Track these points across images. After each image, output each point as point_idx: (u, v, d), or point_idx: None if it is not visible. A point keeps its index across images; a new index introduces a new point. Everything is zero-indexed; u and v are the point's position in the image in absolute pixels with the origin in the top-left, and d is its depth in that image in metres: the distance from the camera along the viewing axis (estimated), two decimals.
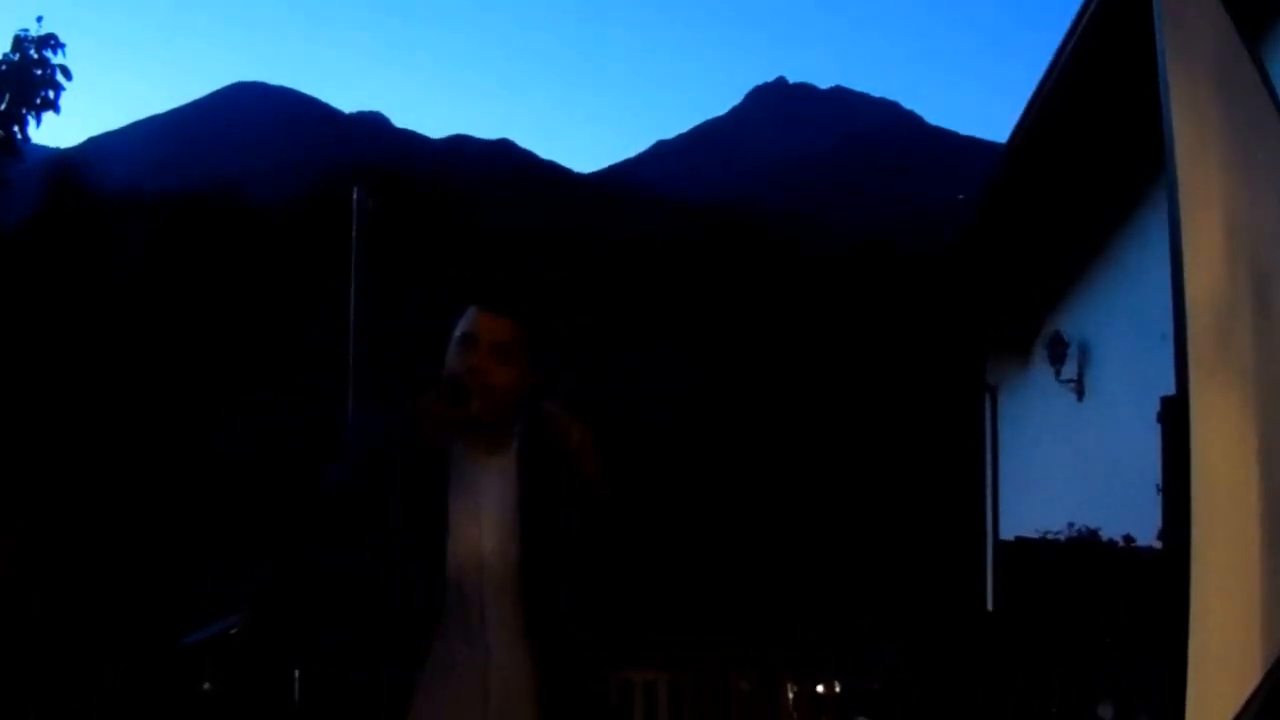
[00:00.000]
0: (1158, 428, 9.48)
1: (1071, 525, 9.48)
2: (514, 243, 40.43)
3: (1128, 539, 8.69)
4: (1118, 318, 10.98)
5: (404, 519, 3.25)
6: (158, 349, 27.17)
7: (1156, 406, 9.50)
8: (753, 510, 24.82)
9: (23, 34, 7.82)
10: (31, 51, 7.83)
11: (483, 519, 3.28)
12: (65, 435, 22.13)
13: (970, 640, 11.01)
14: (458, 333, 3.33)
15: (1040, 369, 12.53)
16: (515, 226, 47.55)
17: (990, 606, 13.71)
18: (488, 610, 3.24)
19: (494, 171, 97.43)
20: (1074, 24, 8.30)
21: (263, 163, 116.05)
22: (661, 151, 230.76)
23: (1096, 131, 9.32)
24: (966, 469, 15.70)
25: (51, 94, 7.95)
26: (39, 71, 7.85)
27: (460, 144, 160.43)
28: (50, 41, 7.84)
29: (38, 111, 7.86)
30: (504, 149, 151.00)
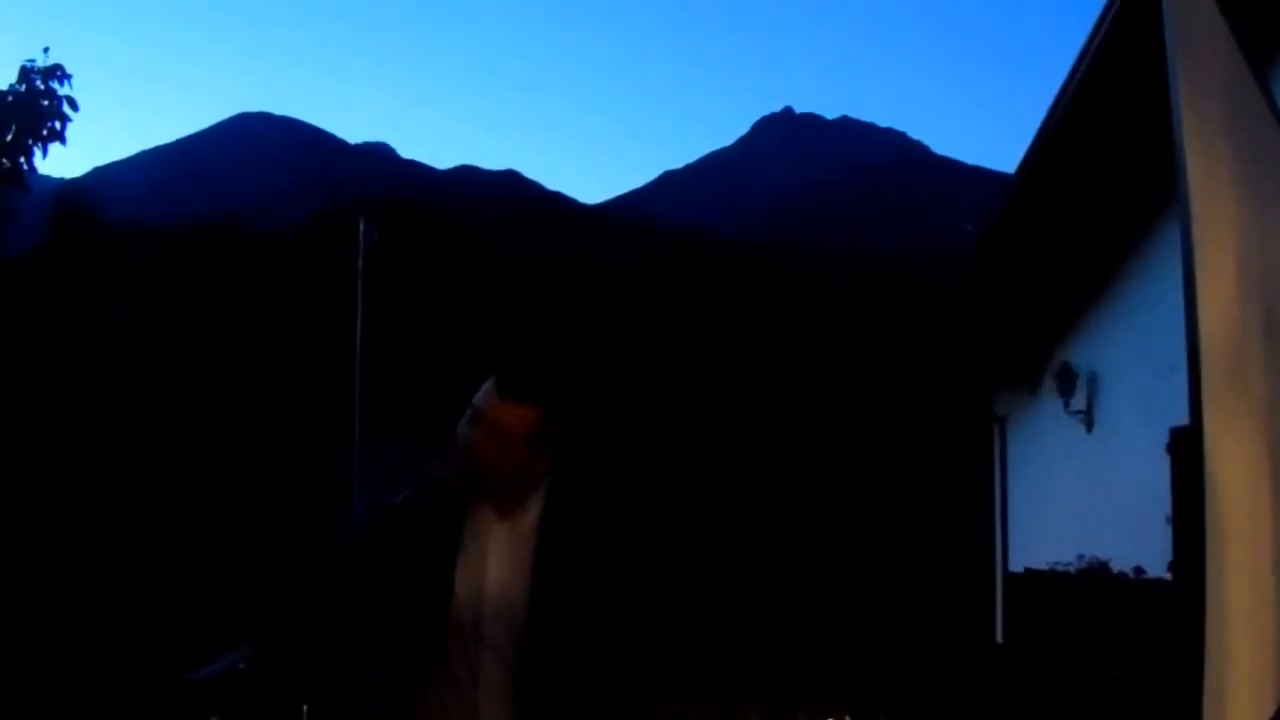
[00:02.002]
0: (1167, 458, 9.43)
1: (1081, 557, 9.42)
2: (528, 282, 40.42)
3: (1138, 570, 8.62)
4: (1126, 348, 10.93)
5: (412, 573, 3.24)
6: (161, 379, 27.15)
7: (1166, 437, 9.45)
8: (760, 542, 24.73)
9: (29, 64, 7.83)
10: (38, 82, 7.84)
11: (487, 584, 3.26)
12: (70, 462, 22.11)
13: (980, 673, 10.96)
14: (474, 405, 3.29)
15: (1049, 400, 12.47)
16: (523, 258, 47.57)
17: (1000, 639, 13.63)
18: (481, 673, 3.22)
19: (500, 202, 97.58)
20: (1081, 54, 8.28)
21: (268, 193, 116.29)
22: (668, 182, 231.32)
23: (1104, 162, 9.29)
24: (975, 500, 15.62)
25: (58, 125, 7.96)
26: (45, 102, 7.86)
27: (466, 174, 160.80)
28: (57, 72, 7.85)
29: (44, 142, 7.87)
30: (510, 179, 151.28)
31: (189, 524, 22.66)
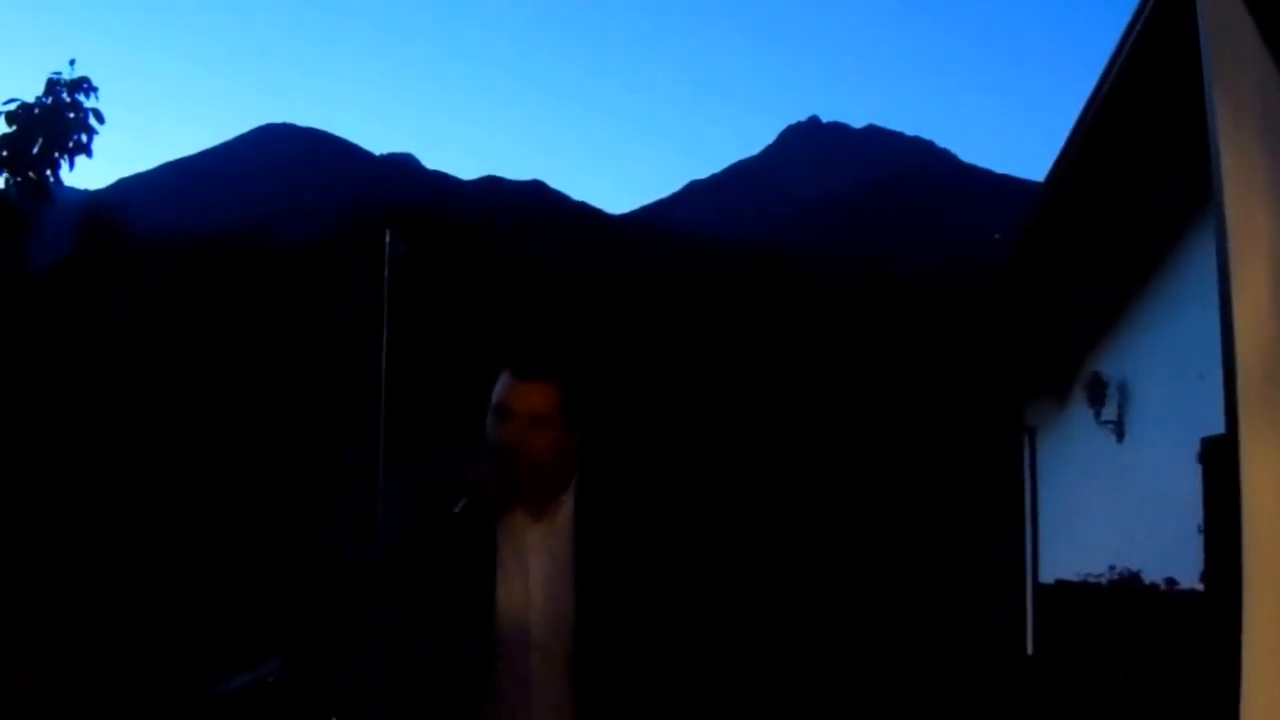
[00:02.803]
0: (1198, 468, 9.34)
1: (1113, 568, 9.33)
2: (543, 287, 40.45)
3: (1170, 582, 8.53)
4: (1157, 357, 10.84)
5: (451, 588, 3.18)
6: (187, 390, 27.25)
7: (1197, 446, 9.37)
8: (788, 550, 24.65)
9: (55, 77, 7.86)
10: (64, 94, 7.85)
11: (531, 592, 3.20)
12: (98, 471, 22.19)
13: (1011, 684, 10.88)
14: (494, 402, 3.26)
15: (1079, 410, 12.39)
16: (549, 268, 47.62)
17: (1030, 650, 13.55)
18: (534, 687, 3.16)
19: (525, 212, 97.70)
20: (1112, 59, 8.20)
21: (292, 204, 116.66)
22: (694, 191, 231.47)
23: (1135, 169, 9.21)
24: (1006, 511, 15.55)
25: (84, 137, 7.97)
26: (71, 115, 7.87)
27: (491, 185, 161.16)
28: (83, 85, 7.87)
29: (70, 155, 7.88)
30: (536, 190, 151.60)
31: (212, 530, 22.72)
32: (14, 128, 7.75)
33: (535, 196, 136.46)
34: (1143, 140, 8.79)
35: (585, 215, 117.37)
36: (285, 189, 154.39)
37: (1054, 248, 10.86)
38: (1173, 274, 10.32)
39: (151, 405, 24.93)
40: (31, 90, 7.93)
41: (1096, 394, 11.68)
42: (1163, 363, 10.67)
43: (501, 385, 3.26)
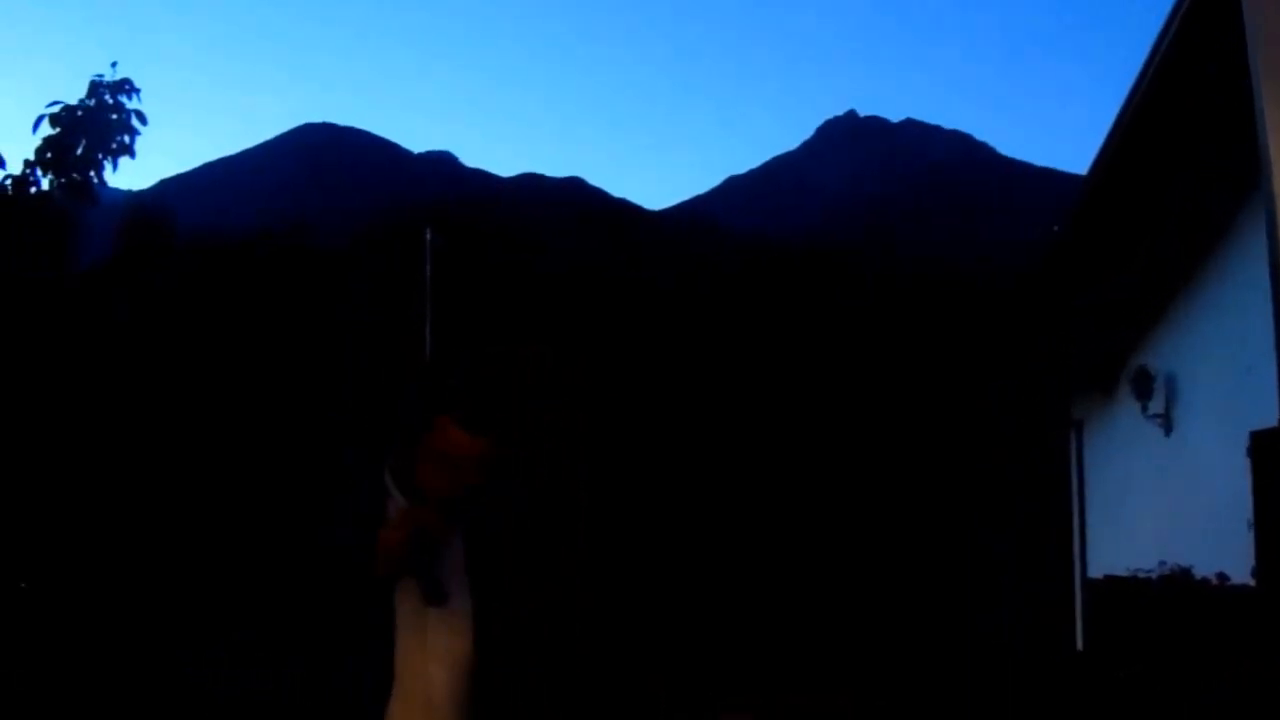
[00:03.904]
0: (1247, 462, 9.26)
1: (1163, 563, 9.23)
2: (592, 288, 40.49)
3: (1221, 577, 8.44)
4: (1205, 350, 10.75)
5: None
6: (229, 390, 27.38)
7: (1246, 440, 9.29)
8: (834, 545, 24.57)
9: (98, 79, 7.87)
10: (107, 96, 7.86)
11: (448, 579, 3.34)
12: (140, 469, 22.32)
13: (1060, 680, 10.79)
14: (427, 442, 3.34)
15: (1126, 404, 12.30)
16: (587, 264, 47.61)
17: (1080, 646, 13.45)
18: (434, 686, 3.31)
19: (564, 209, 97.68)
20: (1155, 48, 8.12)
21: (332, 204, 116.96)
22: (733, 187, 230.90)
23: (1181, 160, 9.12)
24: (1053, 506, 15.44)
25: (127, 138, 7.98)
26: (114, 116, 7.88)
27: (530, 182, 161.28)
28: (126, 86, 7.87)
29: (114, 156, 7.89)
30: (574, 186, 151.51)
31: (212, 531, 22.84)
32: (58, 130, 7.76)
33: (574, 193, 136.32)
34: (1189, 129, 8.71)
35: (624, 211, 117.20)
36: (325, 188, 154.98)
37: (1099, 241, 10.77)
38: (1220, 266, 10.22)
39: (197, 403, 25.04)
40: (67, 90, 7.95)
41: (1143, 387, 11.59)
42: (1210, 356, 10.58)
43: (440, 429, 3.35)
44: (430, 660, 3.29)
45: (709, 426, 28.78)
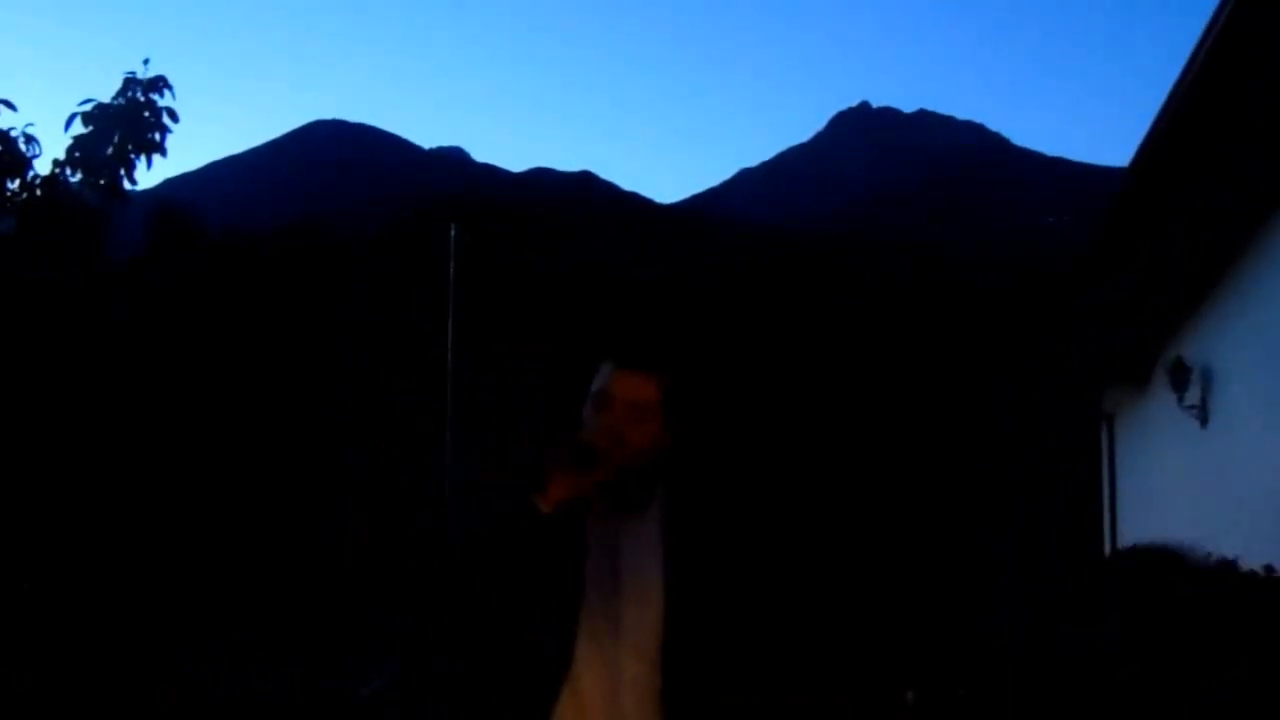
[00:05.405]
0: None
1: (1209, 555, 9.12)
2: (604, 282, 40.42)
3: (1268, 569, 8.35)
4: (1242, 342, 10.64)
5: (536, 584, 3.14)
6: (248, 384, 27.38)
7: None
8: (858, 537, 24.53)
9: (130, 75, 7.81)
10: (139, 94, 7.80)
11: (622, 584, 3.12)
12: (169, 463, 22.35)
13: (1091, 675, 10.70)
14: (594, 389, 3.20)
15: (1160, 396, 12.20)
16: (599, 259, 47.53)
17: (1113, 626, 13.36)
18: (624, 673, 3.10)
19: (575, 203, 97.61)
20: (1201, 40, 8.00)
21: (343, 200, 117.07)
22: (745, 180, 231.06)
23: (1222, 150, 9.01)
24: (1085, 499, 15.36)
25: (158, 136, 7.92)
26: (146, 114, 7.82)
27: (541, 176, 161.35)
28: (158, 83, 7.81)
29: (147, 154, 7.83)
30: (585, 180, 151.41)
31: (271, 532, 22.80)
32: (90, 128, 7.70)
33: (584, 187, 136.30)
34: (1233, 119, 8.61)
35: (635, 205, 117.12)
36: (336, 184, 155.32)
37: (1135, 232, 10.65)
38: (1258, 256, 10.12)
39: (185, 405, 25.00)
40: (107, 90, 7.88)
41: (1179, 379, 11.47)
42: (1248, 347, 10.48)
43: (601, 374, 3.21)
44: (620, 645, 3.10)
45: (709, 425, 28.68)
